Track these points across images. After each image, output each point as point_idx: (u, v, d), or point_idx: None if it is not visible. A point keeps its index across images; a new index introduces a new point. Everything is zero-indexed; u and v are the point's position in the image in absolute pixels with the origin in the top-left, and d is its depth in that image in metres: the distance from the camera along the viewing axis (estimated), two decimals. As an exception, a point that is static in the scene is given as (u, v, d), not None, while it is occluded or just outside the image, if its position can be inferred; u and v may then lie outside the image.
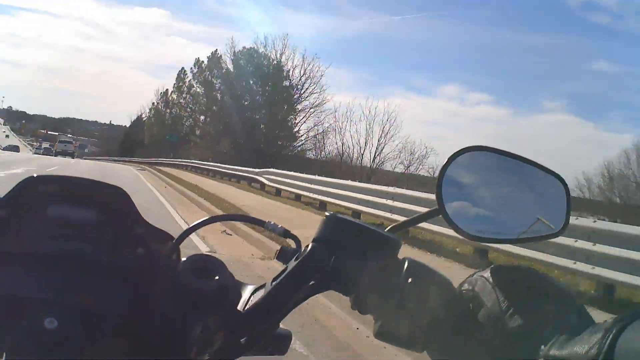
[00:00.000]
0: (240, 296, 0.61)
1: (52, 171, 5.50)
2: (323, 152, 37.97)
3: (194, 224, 0.65)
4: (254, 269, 5.80)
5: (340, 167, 35.00)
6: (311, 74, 38.54)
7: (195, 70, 52.09)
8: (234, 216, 0.73)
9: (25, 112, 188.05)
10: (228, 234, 8.12)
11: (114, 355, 0.57)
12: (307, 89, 38.83)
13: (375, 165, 35.10)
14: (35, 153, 67.57)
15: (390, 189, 9.68)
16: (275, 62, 39.07)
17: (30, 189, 0.59)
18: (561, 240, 5.24)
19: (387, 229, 0.64)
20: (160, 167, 35.78)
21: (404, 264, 0.56)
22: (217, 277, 0.58)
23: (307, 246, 0.59)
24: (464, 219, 0.61)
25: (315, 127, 38.60)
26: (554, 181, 0.65)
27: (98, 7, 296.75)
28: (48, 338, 0.50)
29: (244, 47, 41.21)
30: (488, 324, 0.52)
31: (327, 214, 0.60)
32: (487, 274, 0.55)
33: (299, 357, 3.39)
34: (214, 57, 48.32)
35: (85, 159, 60.84)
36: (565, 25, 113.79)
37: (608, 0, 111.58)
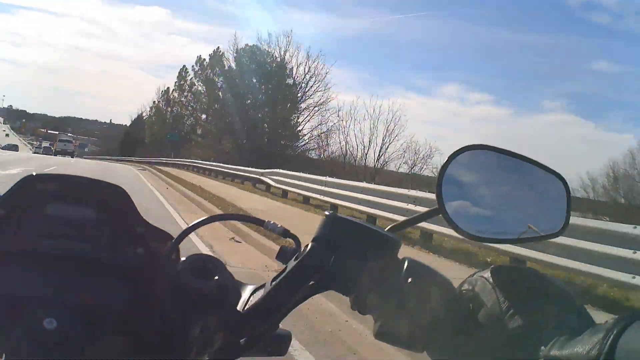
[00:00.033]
0: (239, 296, 0.61)
1: (50, 171, 5.32)
2: (326, 152, 37.50)
3: (193, 223, 0.65)
4: None
5: (344, 167, 34.58)
6: (316, 72, 38.20)
7: (197, 68, 51.77)
8: (233, 215, 0.73)
9: (25, 111, 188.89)
10: (237, 241, 7.66)
11: (113, 355, 0.57)
12: (311, 86, 38.43)
13: (379, 165, 34.67)
14: (35, 152, 67.55)
15: (412, 192, 9.06)
16: (278, 59, 38.63)
17: (29, 188, 0.59)
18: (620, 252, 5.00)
19: (387, 228, 0.64)
20: (161, 167, 35.56)
21: (404, 263, 0.56)
22: (216, 277, 0.58)
23: (307, 246, 0.59)
24: (464, 218, 0.61)
25: (319, 126, 38.12)
26: (554, 180, 0.65)
27: (99, 5, 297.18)
28: (48, 338, 0.50)
29: (246, 45, 40.80)
30: (488, 324, 0.52)
31: (326, 213, 0.60)
32: (487, 274, 0.55)
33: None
34: (216, 55, 47.96)
35: (85, 158, 60.65)
36: (565, 25, 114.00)
37: (608, 0, 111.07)
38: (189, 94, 53.52)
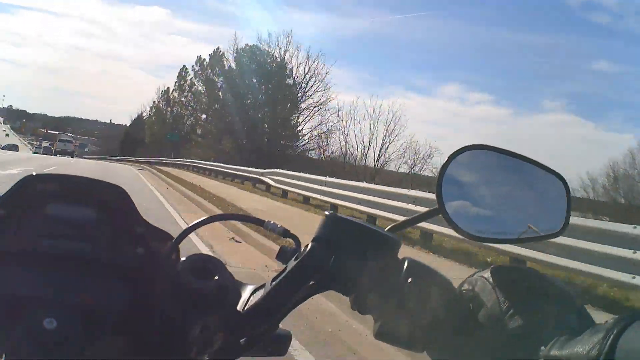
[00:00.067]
0: (239, 296, 0.61)
1: (50, 171, 5.23)
2: (326, 152, 37.46)
3: (193, 223, 0.65)
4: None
5: (344, 167, 34.57)
6: (316, 72, 38.10)
7: (197, 68, 51.68)
8: (233, 215, 0.73)
9: (25, 111, 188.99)
10: (237, 241, 7.60)
11: (113, 355, 0.57)
12: (311, 86, 38.34)
13: (379, 165, 34.65)
14: (35, 152, 67.51)
15: (412, 192, 9.05)
16: (278, 59, 38.58)
17: (29, 188, 0.59)
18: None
19: (386, 228, 0.64)
20: (161, 167, 35.54)
21: (404, 263, 0.56)
22: (216, 277, 0.58)
23: (307, 246, 0.59)
24: (464, 218, 0.61)
25: (319, 126, 38.05)
26: (554, 180, 0.65)
27: (99, 5, 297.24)
28: (48, 338, 0.50)
29: (246, 45, 40.70)
30: (488, 325, 0.52)
31: (326, 213, 0.60)
32: (487, 274, 0.55)
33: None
34: (216, 55, 47.91)
35: (85, 158, 60.61)
36: (565, 25, 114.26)
37: (608, 0, 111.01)
38: (189, 94, 53.52)
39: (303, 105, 39.25)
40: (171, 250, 0.61)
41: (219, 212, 9.45)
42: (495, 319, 0.51)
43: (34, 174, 0.59)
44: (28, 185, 0.58)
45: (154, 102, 60.69)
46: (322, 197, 12.30)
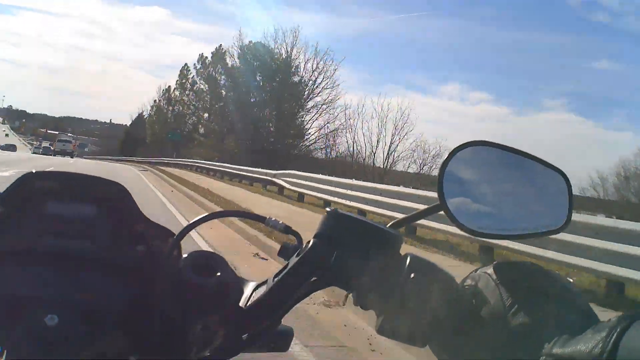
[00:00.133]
0: (241, 292, 0.61)
1: None
2: (334, 151, 36.36)
3: (194, 220, 0.65)
4: (325, 327, 4.12)
5: (351, 166, 33.57)
6: (324, 68, 36.79)
7: (198, 67, 50.58)
8: (234, 212, 0.75)
9: (25, 111, 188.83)
10: (262, 258, 6.60)
11: (114, 353, 0.58)
12: (319, 83, 37.20)
13: (387, 164, 33.55)
14: (34, 152, 66.75)
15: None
16: (284, 56, 37.45)
17: (29, 186, 0.59)
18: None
19: (388, 225, 0.64)
20: (163, 167, 34.62)
21: (406, 259, 0.56)
22: (218, 274, 0.58)
23: (309, 242, 0.59)
24: (466, 214, 0.61)
25: (327, 125, 36.89)
26: (556, 176, 0.65)
27: (98, 6, 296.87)
28: (48, 335, 0.50)
29: (250, 42, 39.49)
30: (491, 321, 0.52)
31: (327, 209, 0.61)
32: (490, 270, 0.55)
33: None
34: (219, 52, 46.72)
35: (85, 158, 59.78)
36: (565, 24, 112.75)
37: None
38: (191, 93, 52.72)
39: (310, 104, 38.23)
40: (172, 248, 0.61)
41: (240, 223, 8.14)
42: (498, 315, 0.51)
43: (34, 171, 0.60)
44: (28, 182, 0.59)
45: (155, 101, 60.24)
46: (346, 202, 10.92)
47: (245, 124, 36.58)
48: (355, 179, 13.02)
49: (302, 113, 38.61)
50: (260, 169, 19.83)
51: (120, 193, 0.60)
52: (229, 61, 43.12)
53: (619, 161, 30.13)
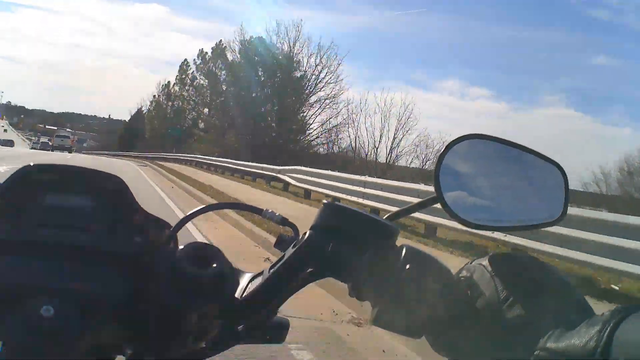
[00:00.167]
0: (238, 284, 0.61)
1: None
2: (337, 146, 35.73)
3: (191, 212, 0.66)
4: (361, 355, 3.58)
5: (354, 161, 33.00)
6: (328, 63, 36.12)
7: (198, 62, 49.89)
8: (230, 204, 0.74)
9: (24, 107, 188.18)
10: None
11: (111, 343, 0.58)
12: (322, 78, 36.47)
13: (390, 159, 32.94)
14: (32, 148, 65.99)
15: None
16: (286, 51, 36.74)
17: (28, 178, 0.60)
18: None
19: (385, 217, 0.64)
20: (163, 163, 34.13)
21: (402, 251, 0.56)
22: (214, 265, 0.58)
23: (305, 233, 0.60)
24: (462, 207, 0.61)
25: (329, 120, 36.21)
26: (552, 169, 0.65)
27: (98, 3, 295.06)
28: (44, 326, 0.51)
29: (251, 36, 38.75)
30: (486, 313, 0.52)
31: (324, 201, 0.61)
32: (485, 261, 0.55)
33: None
34: (219, 48, 45.98)
35: (83, 153, 59.17)
36: (564, 20, 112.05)
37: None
38: (191, 88, 52.03)
39: (313, 99, 37.56)
40: (169, 239, 0.62)
41: (247, 222, 7.50)
42: (493, 308, 0.51)
43: (32, 163, 0.60)
44: (26, 175, 0.59)
45: (154, 96, 59.64)
46: (360, 200, 10.30)
47: (245, 119, 36.24)
48: (369, 176, 12.35)
49: (305, 108, 38.23)
50: (264, 165, 19.40)
51: (118, 185, 0.61)
52: (229, 56, 42.92)
53: (623, 157, 29.59)
